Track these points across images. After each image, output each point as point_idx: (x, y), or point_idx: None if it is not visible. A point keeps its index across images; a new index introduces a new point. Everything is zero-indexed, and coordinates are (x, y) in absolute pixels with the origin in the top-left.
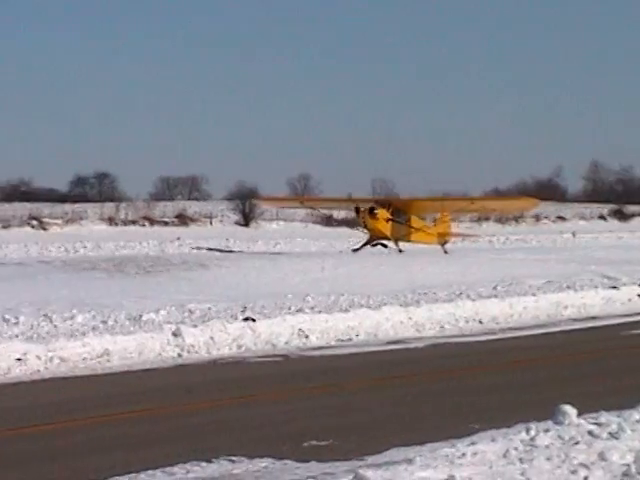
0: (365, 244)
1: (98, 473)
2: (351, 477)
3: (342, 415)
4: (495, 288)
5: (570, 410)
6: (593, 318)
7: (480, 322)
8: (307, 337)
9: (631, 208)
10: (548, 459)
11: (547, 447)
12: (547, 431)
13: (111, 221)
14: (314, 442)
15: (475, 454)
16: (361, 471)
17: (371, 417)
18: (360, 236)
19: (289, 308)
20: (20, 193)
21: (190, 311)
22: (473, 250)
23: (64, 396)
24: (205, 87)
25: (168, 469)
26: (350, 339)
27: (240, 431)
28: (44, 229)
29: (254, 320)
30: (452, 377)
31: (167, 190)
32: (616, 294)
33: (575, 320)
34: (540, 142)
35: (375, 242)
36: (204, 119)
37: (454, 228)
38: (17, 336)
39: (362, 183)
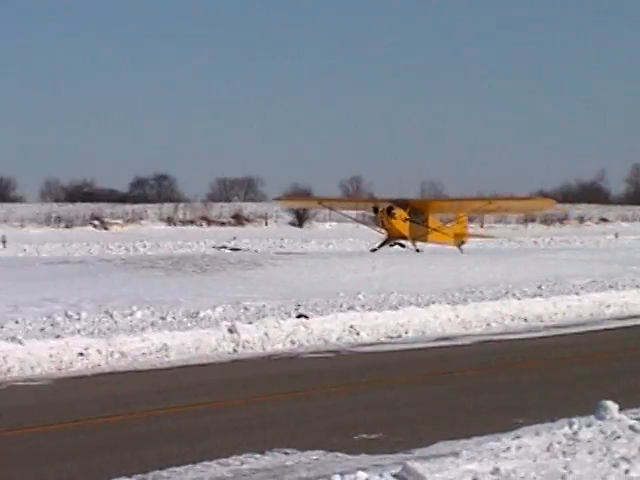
0: (383, 244)
1: (156, 463)
2: (399, 469)
3: (391, 409)
4: (540, 287)
5: (612, 406)
6: (635, 317)
7: (525, 320)
8: (358, 334)
9: None
10: (590, 453)
11: (589, 441)
12: (589, 426)
13: (170, 221)
14: (364, 435)
15: (519, 448)
16: (409, 463)
17: (419, 411)
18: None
19: (341, 305)
20: (83, 194)
21: (245, 308)
22: (518, 250)
23: (124, 389)
24: (262, 91)
25: (223, 460)
26: (399, 336)
27: (293, 424)
28: (106, 228)
29: (307, 317)
30: (498, 373)
31: (224, 191)
32: None
33: (617, 319)
34: (584, 146)
35: (393, 242)
36: (261, 122)
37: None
38: (79, 331)
39: (412, 185)
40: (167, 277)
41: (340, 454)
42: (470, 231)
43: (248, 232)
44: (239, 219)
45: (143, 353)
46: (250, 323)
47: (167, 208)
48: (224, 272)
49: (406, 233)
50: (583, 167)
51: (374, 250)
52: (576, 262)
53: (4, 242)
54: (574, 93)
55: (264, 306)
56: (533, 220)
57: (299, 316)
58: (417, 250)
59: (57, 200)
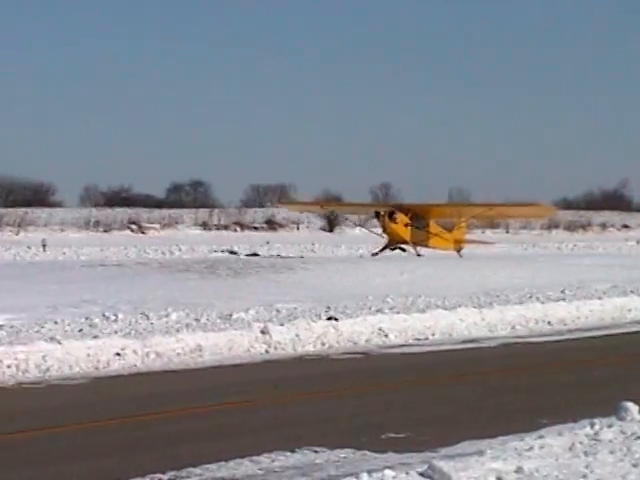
0: (384, 248)
1: (189, 460)
2: (425, 467)
3: (418, 409)
4: (563, 292)
5: (632, 407)
6: None
7: (549, 323)
8: (386, 336)
9: None
10: (611, 453)
11: (610, 441)
12: (610, 426)
13: (205, 226)
14: (391, 434)
15: (542, 447)
16: (435, 462)
17: (445, 411)
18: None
19: (370, 308)
20: (121, 199)
21: (277, 310)
22: (543, 256)
23: (159, 389)
24: (295, 99)
25: (255, 458)
26: (427, 338)
27: (322, 423)
28: (143, 233)
29: (337, 319)
30: (522, 375)
31: (257, 197)
32: None
33: (638, 322)
34: (607, 155)
35: (394, 246)
36: (294, 130)
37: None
38: (116, 332)
39: (440, 191)
40: (202, 280)
41: (368, 452)
42: (471, 237)
43: (280, 237)
44: (272, 224)
45: (178, 353)
46: (282, 325)
47: (202, 213)
48: (257, 276)
49: (407, 238)
50: (606, 175)
51: (375, 254)
52: (598, 267)
53: (45, 246)
54: (597, 102)
55: (295, 308)
56: (557, 226)
57: (329, 318)
58: (418, 255)
59: (96, 205)
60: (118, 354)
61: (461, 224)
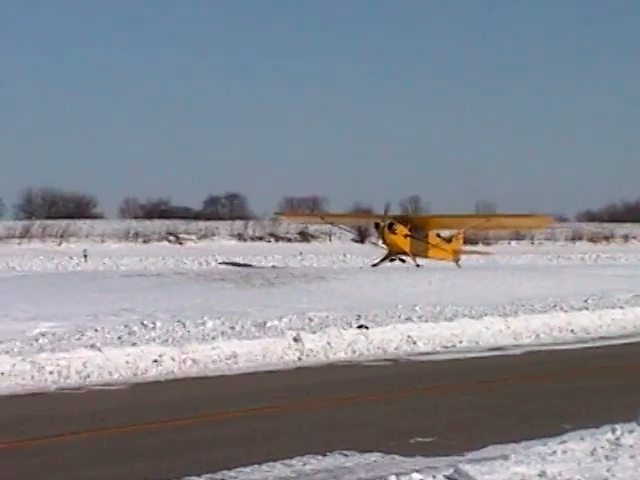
0: (384, 259)
1: (224, 464)
2: (451, 471)
3: (445, 415)
4: (586, 301)
5: None
6: None
7: (572, 332)
8: (415, 343)
9: None
10: (632, 457)
11: (631, 446)
12: (631, 432)
13: (240, 237)
14: (419, 439)
15: (565, 452)
16: (461, 466)
17: (471, 417)
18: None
19: (399, 317)
20: (159, 211)
21: (309, 319)
22: (567, 267)
23: (195, 394)
24: (327, 113)
25: (287, 461)
26: (454, 346)
27: (353, 428)
28: (180, 244)
29: (367, 327)
30: (546, 381)
31: (291, 209)
32: None
33: None
34: (630, 168)
35: (394, 257)
36: (327, 144)
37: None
38: (154, 340)
39: (467, 205)
40: (237, 289)
41: (396, 456)
42: (469, 248)
43: (313, 248)
44: (305, 236)
45: (213, 360)
46: (314, 333)
47: (238, 225)
48: (290, 285)
49: (407, 248)
50: (628, 188)
51: (375, 265)
52: (621, 278)
53: (86, 256)
54: (621, 117)
55: (327, 317)
56: (581, 238)
57: (360, 326)
58: (417, 265)
59: (135, 217)
60: (156, 361)
61: (459, 235)
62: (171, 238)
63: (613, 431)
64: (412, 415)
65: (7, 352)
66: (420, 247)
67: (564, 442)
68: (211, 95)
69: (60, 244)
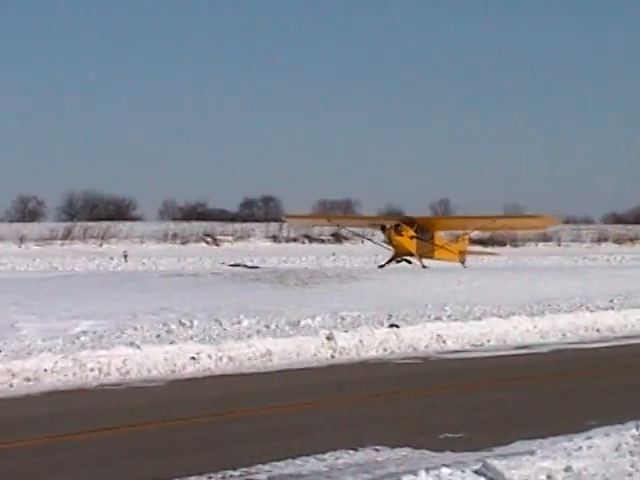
0: (390, 260)
1: (259, 458)
2: (480, 466)
3: (474, 411)
4: (611, 301)
5: None
6: None
7: (598, 331)
8: (444, 342)
9: None
10: None
11: None
12: None
13: (275, 238)
14: (449, 434)
15: (590, 447)
16: (489, 461)
17: (499, 413)
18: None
19: (429, 316)
20: (197, 213)
21: (342, 318)
22: (593, 267)
23: (231, 391)
24: (358, 118)
25: (320, 456)
26: (482, 344)
27: (384, 424)
28: (217, 245)
29: (398, 326)
30: (572, 379)
31: (324, 212)
32: None
33: None
34: None
35: (400, 258)
36: (359, 148)
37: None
38: (192, 338)
39: (495, 207)
40: (272, 289)
41: (426, 451)
42: (475, 248)
43: (346, 249)
44: (338, 237)
45: (249, 358)
46: (346, 331)
47: (273, 227)
48: (323, 285)
49: (413, 250)
50: None
51: (382, 266)
52: None
53: (126, 257)
54: None
55: (359, 316)
56: (606, 240)
57: (391, 325)
58: (423, 266)
59: (174, 219)
60: (193, 358)
61: (464, 236)
62: (208, 239)
63: (637, 427)
64: (441, 411)
65: (50, 350)
66: (426, 248)
67: (589, 438)
68: (248, 100)
69: (101, 245)
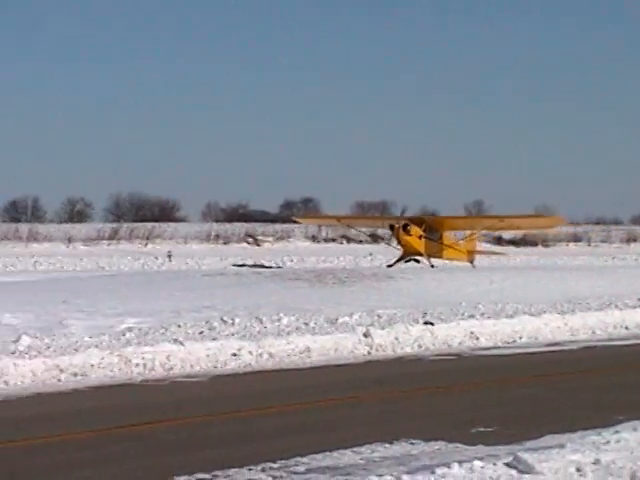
0: (399, 260)
1: (297, 450)
2: (511, 459)
3: (506, 406)
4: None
5: None
6: None
7: (626, 328)
8: (477, 339)
9: None
10: None
11: None
12: None
13: (314, 239)
14: (481, 429)
15: (618, 441)
16: (520, 454)
17: (531, 408)
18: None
19: (462, 314)
20: (239, 214)
21: (378, 316)
22: (622, 267)
23: (271, 386)
24: (395, 121)
25: (356, 449)
26: (514, 341)
27: (418, 418)
28: (258, 245)
29: (433, 324)
30: (601, 375)
31: (362, 213)
32: None
33: None
34: None
35: (408, 258)
36: (395, 151)
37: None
38: (233, 335)
39: (527, 208)
40: (310, 288)
41: (459, 445)
42: (485, 248)
43: (382, 249)
44: (375, 237)
45: (288, 354)
46: (382, 329)
47: (312, 227)
48: (360, 284)
49: (421, 249)
50: None
51: (390, 266)
52: None
53: (170, 256)
54: None
55: (395, 314)
56: (635, 240)
57: (426, 323)
58: (432, 266)
59: (216, 220)
60: (235, 354)
61: (472, 235)
62: (249, 240)
63: None
64: (474, 406)
65: (97, 346)
66: (434, 248)
67: (617, 432)
68: (289, 104)
69: (146, 245)
